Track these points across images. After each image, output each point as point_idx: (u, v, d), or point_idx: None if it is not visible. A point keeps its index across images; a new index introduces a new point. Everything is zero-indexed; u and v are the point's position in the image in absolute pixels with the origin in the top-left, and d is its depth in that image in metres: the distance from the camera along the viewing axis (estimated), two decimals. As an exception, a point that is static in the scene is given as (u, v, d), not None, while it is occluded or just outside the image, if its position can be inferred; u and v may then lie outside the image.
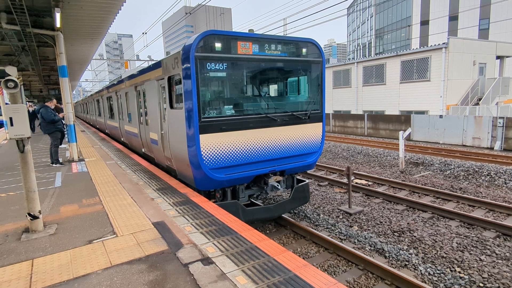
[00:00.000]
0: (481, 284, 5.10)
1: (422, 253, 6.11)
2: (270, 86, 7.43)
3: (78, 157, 9.98)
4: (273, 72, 6.94)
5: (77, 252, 3.74)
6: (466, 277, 5.27)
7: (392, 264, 5.82)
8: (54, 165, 9.00)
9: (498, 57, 26.76)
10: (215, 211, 4.96)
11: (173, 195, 5.79)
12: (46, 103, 9.26)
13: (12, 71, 7.90)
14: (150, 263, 3.41)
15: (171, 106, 6.61)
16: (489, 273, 5.36)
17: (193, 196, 5.72)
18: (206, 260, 3.41)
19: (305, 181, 7.80)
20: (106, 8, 9.08)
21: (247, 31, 6.53)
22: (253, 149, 6.31)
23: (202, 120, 5.65)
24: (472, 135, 17.08)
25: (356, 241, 6.72)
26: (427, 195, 9.51)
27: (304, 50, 6.88)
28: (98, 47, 14.74)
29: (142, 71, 8.77)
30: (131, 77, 10.09)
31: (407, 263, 5.77)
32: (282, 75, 7.14)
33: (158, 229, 4.29)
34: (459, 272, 5.44)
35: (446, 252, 6.08)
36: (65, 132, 10.28)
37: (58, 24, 8.58)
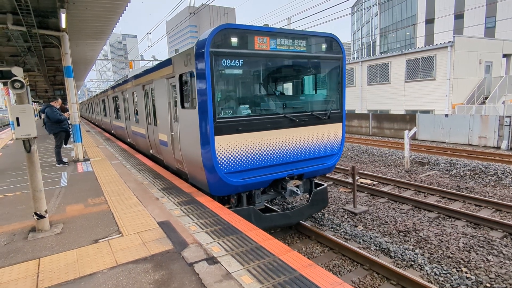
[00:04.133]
0: (488, 285, 5.05)
1: (428, 253, 6.07)
2: (288, 84, 7.09)
3: (84, 156, 10.04)
4: (291, 69, 6.58)
5: (83, 251, 3.76)
6: (473, 277, 5.22)
7: (397, 264, 5.79)
8: (58, 165, 9.07)
9: (504, 56, 26.47)
10: (220, 210, 4.96)
11: (178, 195, 5.81)
12: (51, 103, 9.33)
13: (18, 72, 7.96)
14: (155, 263, 3.41)
15: (183, 106, 6.25)
16: (496, 274, 5.31)
17: (198, 196, 5.72)
18: (211, 260, 3.41)
19: (323, 184, 7.37)
20: (111, 8, 9.12)
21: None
22: (271, 152, 5.94)
23: (217, 120, 5.30)
24: (478, 134, 16.92)
25: (361, 241, 6.69)
26: (433, 194, 9.44)
27: (323, 45, 6.47)
28: (103, 48, 14.82)
29: (151, 70, 8.41)
30: (139, 76, 9.81)
31: (413, 263, 5.73)
32: (300, 72, 6.80)
33: (163, 229, 4.30)
34: (466, 273, 5.39)
35: (453, 252, 6.03)
36: (70, 132, 10.35)
37: (63, 25, 8.63)
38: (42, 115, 10.28)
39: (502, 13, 39.58)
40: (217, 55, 5.24)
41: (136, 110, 10.64)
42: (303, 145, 6.40)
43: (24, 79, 4.22)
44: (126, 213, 4.95)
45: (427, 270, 5.47)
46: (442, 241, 6.44)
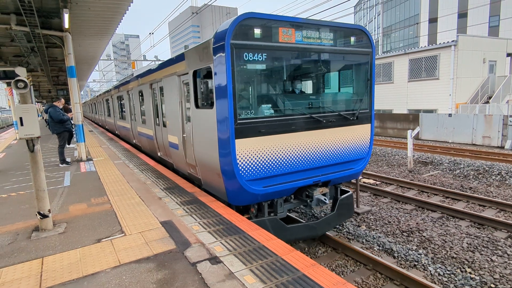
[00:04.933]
0: (492, 285, 5.02)
1: (432, 253, 6.03)
2: (313, 81, 6.53)
3: (86, 156, 10.08)
4: (317, 65, 5.98)
5: (86, 250, 3.77)
6: (477, 277, 5.19)
7: (401, 264, 5.76)
8: (61, 165, 9.10)
9: (508, 55, 26.29)
10: (223, 210, 4.95)
11: (180, 194, 5.81)
12: (54, 103, 9.36)
13: (21, 72, 7.99)
14: (158, 262, 3.41)
15: (197, 106, 5.75)
16: (501, 274, 5.27)
17: (201, 196, 5.72)
18: (214, 259, 3.41)
19: (348, 191, 6.79)
20: (114, 8, 9.14)
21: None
22: (296, 156, 5.43)
23: (239, 122, 4.77)
24: (482, 134, 16.81)
25: (364, 241, 6.66)
26: (436, 194, 9.39)
27: (352, 39, 5.93)
28: (106, 48, 14.85)
29: (160, 66, 7.88)
30: (146, 73, 9.25)
31: (416, 263, 5.70)
32: (326, 68, 6.22)
33: (166, 228, 4.30)
34: (470, 273, 5.36)
35: (456, 252, 5.99)
36: (74, 132, 10.39)
37: (66, 25, 8.66)
38: (45, 115, 10.33)
39: (506, 12, 39.33)
40: (238, 48, 4.68)
41: (143, 110, 10.14)
42: (330, 149, 5.86)
43: (27, 79, 4.23)
44: (129, 213, 4.96)
45: (430, 271, 5.44)
46: (445, 241, 6.40)
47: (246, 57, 4.81)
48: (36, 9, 7.80)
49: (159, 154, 9.06)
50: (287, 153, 5.33)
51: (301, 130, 5.43)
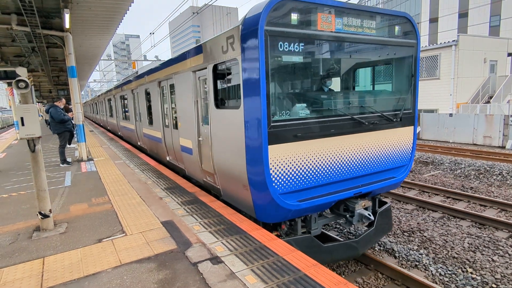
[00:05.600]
0: (494, 286, 5.01)
1: (433, 253, 6.03)
2: (353, 77, 5.86)
3: (87, 156, 10.08)
4: (359, 58, 5.34)
5: (87, 250, 3.77)
6: (478, 278, 5.18)
7: (402, 264, 5.75)
8: (62, 165, 9.11)
9: (509, 54, 26.25)
10: (224, 210, 4.95)
11: (181, 194, 5.81)
12: (55, 103, 9.37)
13: (22, 72, 8.01)
14: (159, 262, 3.41)
15: (218, 105, 5.08)
16: (502, 274, 5.26)
17: (201, 196, 5.72)
18: (215, 259, 3.41)
19: (386, 202, 6.03)
20: (114, 8, 9.15)
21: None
22: (335, 164, 4.76)
23: (272, 124, 4.08)
24: (483, 133, 16.79)
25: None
26: (437, 194, 9.38)
27: (396, 28, 5.20)
28: (106, 48, 14.86)
29: (171, 62, 7.18)
30: (154, 70, 8.57)
31: (417, 263, 5.69)
32: (368, 62, 5.60)
33: (166, 228, 4.30)
34: (471, 273, 5.35)
35: (458, 252, 5.98)
36: (74, 132, 10.39)
37: (67, 25, 8.67)
38: (46, 115, 10.33)
39: (507, 11, 39.28)
40: (273, 36, 3.97)
41: (150, 110, 9.38)
42: (372, 155, 5.16)
43: (28, 79, 4.24)
44: (129, 213, 4.96)
45: (432, 271, 5.43)
46: (447, 241, 6.39)
47: (281, 47, 4.08)
48: (36, 9, 7.80)
49: (168, 158, 8.43)
50: (326, 161, 4.64)
51: (341, 134, 4.73)
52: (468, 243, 6.31)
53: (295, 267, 3.21)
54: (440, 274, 5.34)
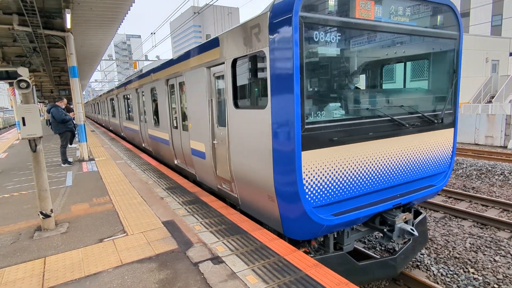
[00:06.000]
0: (495, 286, 4.99)
1: (435, 253, 6.01)
2: (392, 72, 5.38)
3: (89, 156, 10.10)
4: (398, 51, 4.72)
5: (89, 250, 3.77)
6: (480, 278, 5.16)
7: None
8: (63, 165, 9.12)
9: (511, 54, 26.19)
10: (225, 210, 4.95)
11: (182, 194, 5.81)
12: (56, 103, 9.39)
13: (24, 72, 8.01)
14: (160, 262, 3.41)
15: (237, 105, 4.59)
16: (504, 274, 5.24)
17: (202, 196, 5.72)
18: (216, 259, 3.40)
19: (421, 212, 5.42)
20: (115, 8, 9.16)
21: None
22: (374, 172, 4.23)
23: (307, 127, 3.57)
24: (485, 133, 16.75)
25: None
26: (439, 194, 9.35)
27: (439, 18, 4.63)
28: (107, 48, 14.88)
29: (181, 58, 6.63)
30: (161, 67, 8.04)
31: (419, 263, 5.67)
32: (408, 55, 4.95)
33: (167, 228, 4.30)
34: (473, 273, 5.33)
35: (459, 252, 5.96)
36: (76, 132, 10.41)
37: (68, 25, 8.68)
38: (46, 115, 10.33)
39: (509, 11, 39.15)
40: (309, 24, 3.47)
41: (156, 110, 8.87)
42: (411, 161, 4.66)
43: (29, 79, 4.24)
44: (130, 213, 4.96)
45: (433, 271, 5.42)
46: (448, 242, 6.38)
47: (316, 37, 3.58)
48: (38, 9, 7.82)
49: (176, 162, 7.90)
50: (363, 168, 4.13)
51: (380, 138, 4.22)
52: (469, 243, 6.29)
53: (296, 267, 3.21)
54: (441, 275, 5.33)
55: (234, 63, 4.56)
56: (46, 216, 4.38)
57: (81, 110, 9.87)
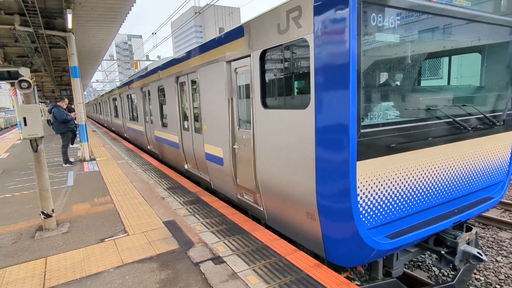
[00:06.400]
0: (497, 286, 4.98)
1: (436, 253, 6.00)
2: (453, 65, 4.60)
3: (90, 156, 10.11)
4: (463, 41, 4.01)
5: (90, 250, 3.77)
6: (482, 278, 5.15)
7: (405, 264, 5.73)
8: (64, 165, 9.14)
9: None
10: (226, 210, 4.95)
11: (183, 194, 5.81)
12: (58, 103, 9.41)
13: (25, 72, 8.03)
14: (161, 262, 3.41)
15: (266, 104, 4.01)
16: (506, 275, 5.23)
17: (204, 195, 5.72)
18: (217, 259, 3.40)
19: (472, 226, 4.45)
20: (116, 8, 9.17)
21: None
22: (432, 184, 3.62)
23: (363, 131, 2.94)
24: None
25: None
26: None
27: (503, 3, 3.98)
28: (109, 48, 14.91)
29: (192, 52, 6.04)
30: (170, 64, 7.48)
31: (420, 264, 5.66)
32: (474, 46, 4.22)
33: (168, 228, 4.30)
34: (475, 274, 5.32)
35: (461, 252, 5.95)
36: (77, 132, 10.43)
37: (69, 25, 8.70)
38: (48, 115, 10.33)
39: (510, 10, 39.02)
40: (368, 5, 2.85)
41: (164, 110, 8.39)
42: (469, 170, 4.03)
43: (31, 79, 4.25)
44: (132, 213, 4.96)
45: (435, 271, 5.41)
46: (450, 242, 6.36)
47: (374, 21, 2.95)
48: (39, 9, 7.83)
49: (186, 167, 7.30)
50: (423, 180, 3.52)
51: (440, 143, 3.60)
52: (471, 243, 6.27)
53: (297, 267, 3.20)
54: (443, 275, 5.32)
55: (263, 55, 3.95)
56: (48, 216, 4.39)
57: (82, 110, 9.88)
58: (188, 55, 6.28)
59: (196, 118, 6.40)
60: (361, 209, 3.09)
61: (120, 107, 15.52)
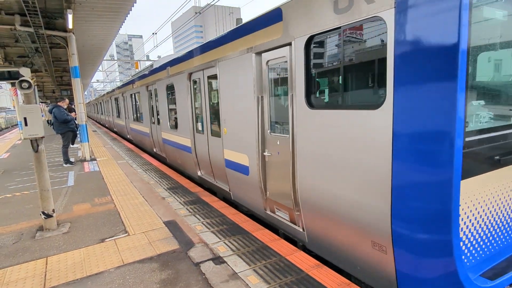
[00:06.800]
0: (498, 286, 4.97)
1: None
2: None
3: (90, 156, 10.12)
4: None
5: (90, 250, 3.78)
6: (483, 278, 5.14)
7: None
8: (65, 165, 9.15)
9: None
10: (226, 210, 4.95)
11: (183, 194, 5.81)
12: (58, 103, 9.42)
13: (25, 72, 8.04)
14: (161, 262, 3.41)
15: (311, 103, 3.31)
16: (507, 275, 5.22)
17: (204, 196, 5.72)
18: (218, 260, 3.40)
19: None
20: (117, 8, 9.17)
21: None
22: None
23: (468, 140, 2.31)
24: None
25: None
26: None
27: None
28: (109, 48, 14.92)
29: (211, 44, 5.37)
30: (181, 59, 6.78)
31: (420, 263, 5.66)
32: None
33: (169, 228, 4.30)
34: (475, 274, 5.31)
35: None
36: (77, 132, 10.44)
37: (70, 25, 8.70)
38: (48, 115, 10.32)
39: None
40: None
41: (173, 110, 7.77)
42: None
43: (31, 79, 4.26)
44: (132, 213, 4.96)
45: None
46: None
47: None
48: (40, 9, 7.84)
49: (199, 173, 6.64)
50: None
51: None
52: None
53: (298, 267, 3.20)
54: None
55: (309, 42, 3.23)
56: (48, 216, 4.39)
57: (82, 110, 9.89)
58: (204, 48, 5.64)
59: (214, 120, 5.72)
60: (462, 242, 2.41)
61: (123, 107, 14.91)
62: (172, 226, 4.38)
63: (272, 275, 3.09)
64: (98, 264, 3.43)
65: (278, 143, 3.99)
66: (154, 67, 9.62)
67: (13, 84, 15.41)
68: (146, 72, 10.27)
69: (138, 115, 11.90)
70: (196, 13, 19.07)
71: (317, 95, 3.41)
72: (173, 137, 7.85)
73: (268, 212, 4.39)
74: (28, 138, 4.18)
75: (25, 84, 4.10)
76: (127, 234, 4.19)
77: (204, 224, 4.39)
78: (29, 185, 7.02)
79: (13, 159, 10.91)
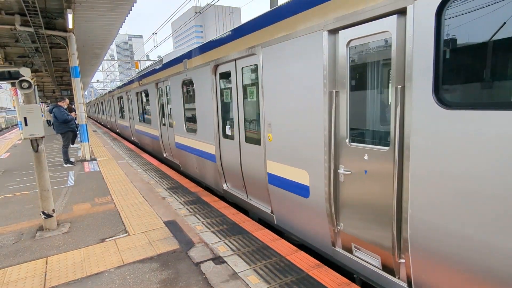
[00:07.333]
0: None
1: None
2: None
3: (90, 156, 10.12)
4: None
5: (90, 250, 3.77)
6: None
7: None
8: (65, 165, 9.15)
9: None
10: (226, 210, 4.95)
11: (184, 194, 5.81)
12: (58, 103, 9.42)
13: (26, 72, 8.04)
14: (162, 262, 3.41)
15: (445, 101, 2.21)
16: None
17: (204, 196, 5.72)
18: (218, 259, 3.40)
19: None
20: (117, 9, 9.17)
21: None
22: None
23: None
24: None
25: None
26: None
27: None
28: (109, 48, 14.92)
29: (249, 27, 4.26)
30: (203, 49, 5.76)
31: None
32: None
33: (169, 228, 4.30)
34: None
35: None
36: (78, 132, 10.45)
37: (70, 25, 8.70)
38: (48, 115, 10.31)
39: None
40: None
41: (190, 111, 6.81)
42: None
43: (31, 79, 4.26)
44: (132, 213, 4.96)
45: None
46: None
47: None
48: (40, 9, 7.84)
49: (225, 186, 5.67)
50: None
51: None
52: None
53: (298, 267, 3.20)
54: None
55: (441, 7, 2.12)
56: (48, 216, 4.39)
57: (83, 110, 9.89)
58: (238, 32, 4.52)
59: (250, 123, 4.72)
60: None
61: (128, 106, 13.64)
62: (172, 226, 4.38)
63: (272, 275, 3.09)
64: (98, 264, 3.43)
65: (366, 157, 2.89)
66: (167, 60, 8.39)
67: (13, 84, 15.41)
68: (156, 68, 9.08)
69: (146, 116, 10.85)
70: (196, 13, 19.07)
71: (457, 88, 2.26)
72: (190, 142, 6.82)
73: (339, 249, 3.29)
74: (28, 138, 4.18)
75: (25, 84, 4.10)
76: (127, 234, 4.19)
77: (204, 224, 4.39)
78: (29, 185, 7.01)
79: (13, 159, 10.91)
